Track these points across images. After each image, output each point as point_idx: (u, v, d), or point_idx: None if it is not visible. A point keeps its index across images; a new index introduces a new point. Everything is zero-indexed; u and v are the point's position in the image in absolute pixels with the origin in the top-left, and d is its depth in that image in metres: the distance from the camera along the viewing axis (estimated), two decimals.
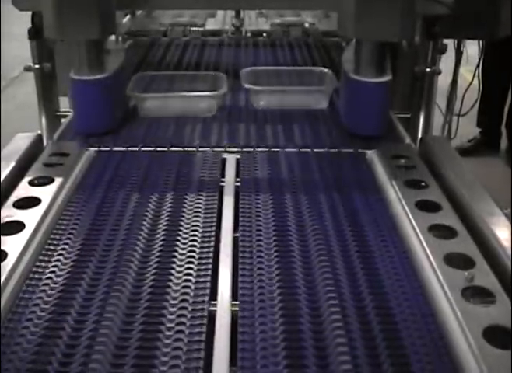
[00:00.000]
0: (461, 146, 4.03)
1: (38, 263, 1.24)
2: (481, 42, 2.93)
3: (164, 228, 1.38)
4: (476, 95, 3.41)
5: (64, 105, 2.23)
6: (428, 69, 2.13)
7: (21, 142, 1.74)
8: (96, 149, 1.77)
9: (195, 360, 1.00)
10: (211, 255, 1.27)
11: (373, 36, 1.77)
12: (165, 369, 0.98)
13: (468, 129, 3.99)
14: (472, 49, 3.01)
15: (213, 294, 1.16)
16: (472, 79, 3.27)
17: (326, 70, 2.19)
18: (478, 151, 4.16)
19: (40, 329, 1.07)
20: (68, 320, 1.09)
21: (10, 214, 1.37)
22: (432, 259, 1.22)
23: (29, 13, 2.08)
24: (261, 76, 2.16)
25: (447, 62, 2.35)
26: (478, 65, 3.19)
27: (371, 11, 1.70)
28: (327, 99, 2.08)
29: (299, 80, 2.20)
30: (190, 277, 1.20)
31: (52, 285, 1.18)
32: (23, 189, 1.49)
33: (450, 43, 2.30)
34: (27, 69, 2.18)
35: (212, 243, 1.32)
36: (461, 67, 2.64)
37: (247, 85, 2.05)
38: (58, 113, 2.28)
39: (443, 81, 2.38)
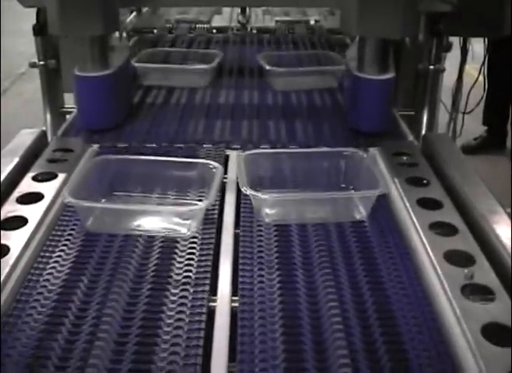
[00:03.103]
0: (466, 144, 4.03)
1: (40, 259, 1.25)
2: (486, 39, 2.92)
3: None
4: (482, 93, 3.40)
5: (69, 101, 2.23)
6: (432, 67, 2.13)
7: (25, 138, 1.75)
8: (100, 145, 1.77)
9: (194, 356, 1.00)
10: (211, 251, 1.28)
11: (376, 34, 1.76)
12: (163, 365, 0.99)
13: (473, 127, 3.98)
14: (478, 46, 3.00)
15: (213, 290, 1.16)
16: (478, 77, 3.26)
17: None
18: (484, 149, 4.15)
19: (41, 324, 1.08)
20: (69, 315, 1.10)
21: (13, 209, 1.38)
22: (432, 257, 1.22)
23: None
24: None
25: (452, 59, 2.34)
26: (483, 63, 3.18)
27: (374, 8, 1.69)
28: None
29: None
30: (190, 273, 1.20)
31: (54, 280, 1.19)
32: (26, 185, 1.50)
33: (455, 40, 2.30)
34: (32, 65, 2.19)
35: (213, 239, 1.32)
36: (466, 64, 2.63)
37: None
38: (63, 110, 2.29)
39: (448, 79, 2.37)
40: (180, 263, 1.24)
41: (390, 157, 1.67)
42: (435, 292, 1.14)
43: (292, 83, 2.23)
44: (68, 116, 2.15)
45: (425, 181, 1.53)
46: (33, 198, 1.43)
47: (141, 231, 1.34)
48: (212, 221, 1.38)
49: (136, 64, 2.28)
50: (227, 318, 1.10)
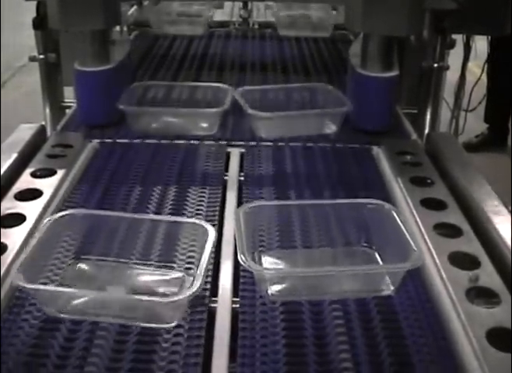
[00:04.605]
0: (468, 142, 4.01)
1: None
2: (489, 37, 2.91)
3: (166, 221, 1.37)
4: (484, 91, 3.39)
5: (69, 95, 2.21)
6: (436, 64, 2.11)
7: (24, 133, 1.74)
8: (100, 141, 1.76)
9: (194, 355, 0.99)
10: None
11: (381, 31, 1.75)
12: (164, 364, 0.98)
13: (475, 125, 3.96)
14: (481, 44, 2.98)
15: (214, 291, 1.15)
16: (481, 75, 3.24)
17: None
18: (486, 147, 4.14)
19: (39, 322, 1.06)
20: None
21: (11, 205, 1.37)
22: (436, 259, 1.20)
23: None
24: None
25: (455, 57, 2.32)
26: (486, 60, 3.17)
27: (379, 5, 1.67)
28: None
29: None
30: (191, 273, 1.18)
31: (52, 279, 1.17)
32: (25, 181, 1.48)
33: (458, 37, 2.28)
34: (32, 59, 2.17)
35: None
36: (469, 61, 2.62)
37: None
38: (63, 104, 2.27)
39: (450, 76, 2.36)
40: (181, 260, 1.22)
41: (393, 156, 1.65)
42: (439, 295, 1.12)
43: (281, 129, 1.80)
44: (67, 111, 2.14)
45: (429, 181, 1.52)
46: (31, 195, 1.41)
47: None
48: (214, 219, 1.37)
49: (122, 107, 1.77)
50: (228, 319, 1.08)
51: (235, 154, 1.70)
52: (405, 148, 1.70)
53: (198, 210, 1.41)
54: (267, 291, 1.12)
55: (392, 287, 1.13)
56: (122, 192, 1.49)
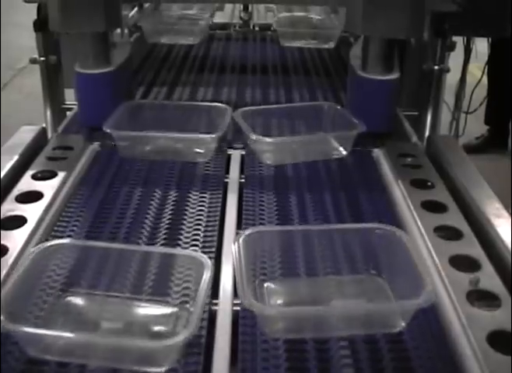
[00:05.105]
0: (468, 143, 4.01)
1: None
2: (490, 38, 2.91)
3: (167, 223, 1.37)
4: (485, 93, 3.39)
5: (70, 97, 2.21)
6: (436, 67, 2.11)
7: (25, 135, 1.73)
8: (100, 143, 1.75)
9: (196, 354, 0.99)
10: (213, 250, 1.26)
11: (382, 33, 1.75)
12: None
13: (476, 126, 3.97)
14: (482, 45, 2.98)
15: (215, 293, 1.14)
16: (481, 76, 3.25)
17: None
18: (486, 148, 4.14)
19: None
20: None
21: (12, 208, 1.37)
22: (437, 262, 1.20)
23: None
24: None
25: (455, 59, 2.32)
26: (487, 62, 3.17)
27: (379, 7, 1.67)
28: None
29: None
30: (191, 273, 1.18)
31: (54, 279, 1.17)
32: (26, 183, 1.48)
33: (458, 39, 2.28)
34: (33, 61, 2.17)
35: (215, 240, 1.30)
36: (470, 63, 2.62)
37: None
38: (64, 106, 2.27)
39: (451, 78, 2.36)
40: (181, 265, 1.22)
41: (394, 158, 1.65)
42: (440, 298, 1.12)
43: (287, 156, 1.66)
44: (68, 113, 2.14)
45: (429, 183, 1.52)
46: (32, 197, 1.41)
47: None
48: (214, 222, 1.37)
49: (108, 131, 1.62)
50: (229, 322, 1.08)
51: (236, 156, 1.70)
52: (405, 151, 1.70)
53: (198, 213, 1.41)
54: (268, 329, 1.04)
55: (403, 324, 1.05)
56: (123, 194, 1.49)
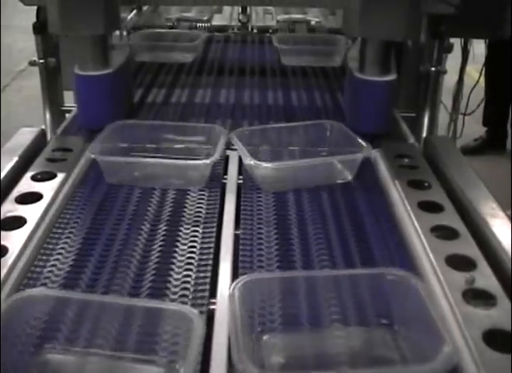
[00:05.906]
0: (466, 145, 4.02)
1: (39, 259, 1.24)
2: (487, 40, 2.92)
3: (165, 224, 1.38)
4: (483, 94, 3.40)
5: (70, 99, 2.22)
6: (433, 68, 2.12)
7: (24, 137, 1.74)
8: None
9: None
10: (211, 251, 1.27)
11: (379, 35, 1.76)
12: None
13: (473, 128, 3.97)
14: (479, 47, 3.00)
15: (213, 292, 1.15)
16: (479, 78, 3.25)
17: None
18: (484, 150, 4.15)
19: (41, 323, 1.05)
20: (68, 316, 1.08)
21: (12, 208, 1.38)
22: (433, 261, 1.21)
23: None
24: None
25: (452, 60, 2.33)
26: (484, 64, 3.18)
27: (376, 9, 1.69)
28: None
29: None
30: (190, 274, 1.20)
31: (52, 282, 1.18)
32: (25, 185, 1.49)
33: (456, 40, 2.29)
34: (32, 64, 2.17)
35: (213, 240, 1.31)
36: (467, 65, 2.63)
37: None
38: (63, 108, 2.28)
39: (449, 79, 2.37)
40: (180, 262, 1.23)
41: (391, 159, 1.66)
42: (436, 297, 1.13)
43: (287, 181, 1.55)
44: (67, 115, 2.15)
45: (426, 184, 1.52)
46: (31, 198, 1.42)
47: None
48: (212, 222, 1.38)
49: (94, 156, 1.53)
50: (226, 321, 1.08)
51: (234, 157, 1.70)
52: (402, 152, 1.71)
53: (196, 213, 1.42)
54: None
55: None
56: (122, 194, 1.50)
